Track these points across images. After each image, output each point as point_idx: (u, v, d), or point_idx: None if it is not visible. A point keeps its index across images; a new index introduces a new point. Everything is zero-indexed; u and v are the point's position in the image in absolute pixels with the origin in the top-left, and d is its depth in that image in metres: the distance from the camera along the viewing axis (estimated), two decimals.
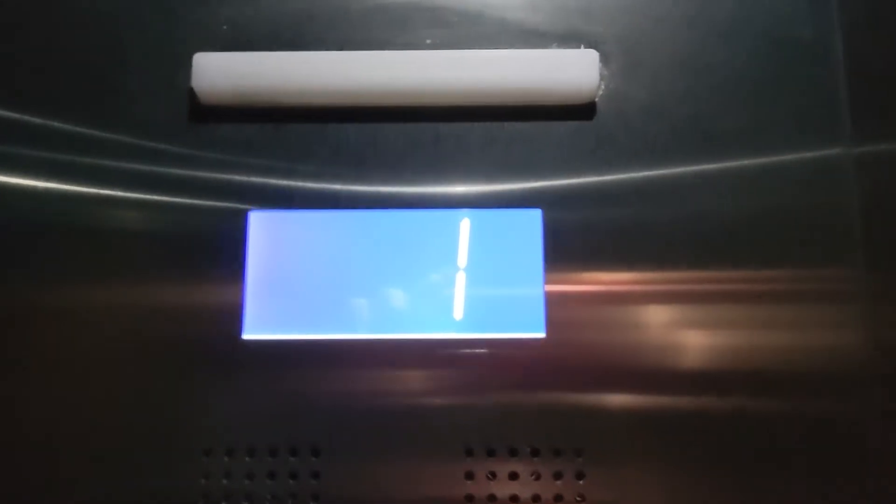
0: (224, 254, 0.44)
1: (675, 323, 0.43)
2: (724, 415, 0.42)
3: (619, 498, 0.41)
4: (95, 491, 0.42)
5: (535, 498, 0.42)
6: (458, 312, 0.44)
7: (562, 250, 0.44)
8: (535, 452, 0.42)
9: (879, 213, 0.44)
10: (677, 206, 0.45)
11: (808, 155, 0.45)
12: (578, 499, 0.41)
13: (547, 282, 0.44)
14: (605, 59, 0.46)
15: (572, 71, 0.45)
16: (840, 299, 0.43)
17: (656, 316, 0.43)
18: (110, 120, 0.45)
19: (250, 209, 0.45)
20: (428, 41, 0.47)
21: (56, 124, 0.45)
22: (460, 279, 0.44)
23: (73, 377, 0.43)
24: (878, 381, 0.42)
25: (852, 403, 0.42)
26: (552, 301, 0.43)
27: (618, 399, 0.42)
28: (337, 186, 0.45)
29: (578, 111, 0.46)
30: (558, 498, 0.41)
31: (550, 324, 0.43)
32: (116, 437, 0.42)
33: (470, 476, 0.42)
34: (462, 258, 0.45)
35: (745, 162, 0.45)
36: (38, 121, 0.45)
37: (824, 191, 0.45)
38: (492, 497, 0.42)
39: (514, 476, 0.42)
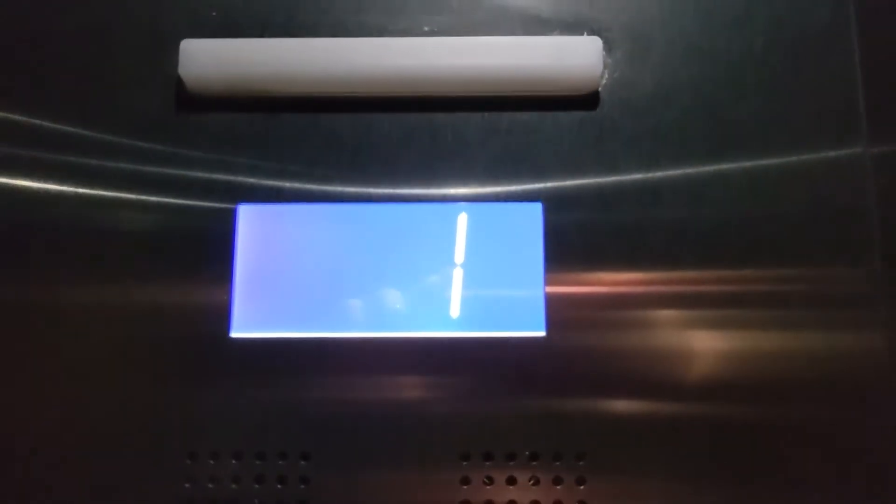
0: (212, 249, 0.42)
1: (682, 323, 0.41)
2: (731, 420, 0.40)
3: None
4: (75, 493, 0.40)
5: None
6: (455, 310, 0.42)
7: (563, 246, 0.42)
8: (533, 457, 0.40)
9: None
10: (684, 200, 0.43)
11: (824, 153, 0.43)
12: None
13: (547, 278, 0.42)
14: (609, 47, 0.44)
15: (575, 59, 0.43)
16: (856, 302, 0.41)
17: (661, 316, 0.42)
18: (94, 110, 0.44)
19: (239, 202, 0.43)
20: (426, 28, 0.45)
21: (38, 115, 0.44)
22: (457, 276, 0.42)
23: (55, 376, 0.41)
24: (895, 385, 0.40)
25: (866, 409, 0.40)
26: (553, 299, 0.42)
27: (621, 401, 0.41)
28: (329, 179, 0.43)
29: (581, 101, 0.44)
30: None
31: (551, 322, 0.41)
32: (97, 439, 0.40)
33: (466, 481, 0.40)
34: (459, 254, 0.43)
35: (757, 154, 0.43)
36: (17, 116, 0.44)
37: (840, 189, 0.43)
38: (489, 503, 0.40)
39: (511, 481, 0.40)
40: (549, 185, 0.43)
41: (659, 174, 0.43)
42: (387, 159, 0.44)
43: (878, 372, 0.40)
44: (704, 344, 0.41)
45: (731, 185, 0.43)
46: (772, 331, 0.41)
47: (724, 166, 0.43)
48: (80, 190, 0.43)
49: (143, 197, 0.43)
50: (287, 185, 0.43)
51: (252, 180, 0.43)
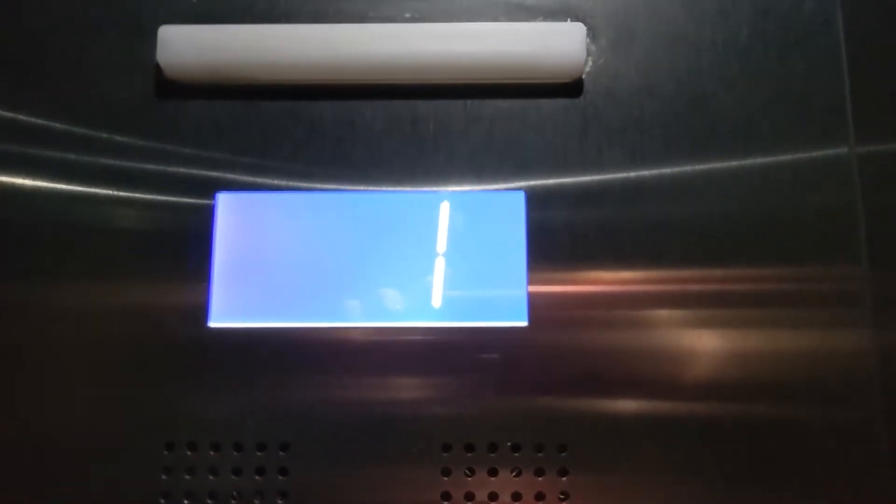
0: (190, 237, 0.42)
1: (666, 318, 0.41)
2: (714, 415, 0.40)
3: (605, 496, 0.39)
4: (50, 484, 0.39)
5: (516, 496, 0.39)
6: (437, 300, 0.42)
7: (546, 235, 0.42)
8: (516, 448, 0.40)
9: (883, 212, 0.42)
10: (668, 191, 0.42)
11: (810, 153, 0.42)
12: (561, 496, 0.39)
13: (530, 268, 0.41)
14: (592, 34, 0.44)
15: (558, 45, 0.42)
16: (841, 301, 0.41)
17: (646, 306, 0.41)
18: (71, 97, 0.43)
19: (218, 191, 0.42)
20: (407, 14, 0.44)
21: (11, 108, 0.43)
22: (439, 265, 0.42)
23: (31, 369, 0.40)
24: (883, 385, 0.40)
25: (852, 408, 0.40)
26: (535, 289, 0.41)
27: (604, 393, 0.40)
28: (310, 167, 0.43)
29: (565, 89, 0.43)
30: (540, 496, 0.39)
31: (533, 313, 0.41)
32: (72, 430, 0.40)
33: (447, 472, 0.39)
34: (441, 243, 0.42)
35: (742, 148, 0.42)
36: None
37: (825, 188, 0.42)
38: (469, 495, 0.39)
39: (493, 472, 0.39)
40: (532, 173, 0.43)
41: (643, 163, 0.43)
42: (368, 147, 0.43)
43: (864, 371, 0.40)
44: (688, 339, 0.41)
45: (715, 178, 0.42)
46: (755, 329, 0.41)
47: (709, 158, 0.43)
48: (60, 174, 0.42)
49: (121, 187, 0.42)
50: (268, 174, 0.43)
51: (232, 169, 0.43)
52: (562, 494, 0.39)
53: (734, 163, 0.42)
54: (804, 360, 0.40)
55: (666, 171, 0.42)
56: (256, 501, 0.39)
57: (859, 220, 0.42)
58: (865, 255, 0.41)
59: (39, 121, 0.43)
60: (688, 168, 0.42)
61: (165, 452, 0.40)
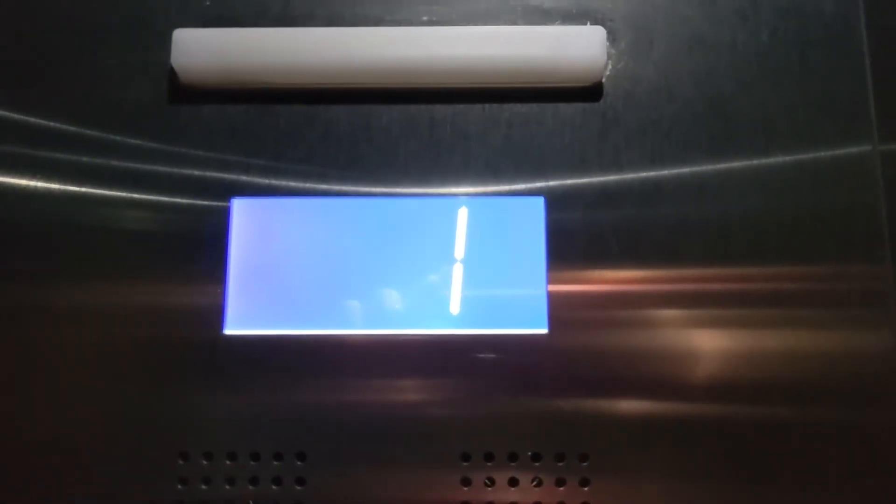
0: (206, 243, 0.41)
1: (688, 322, 0.40)
2: (737, 420, 0.39)
3: None
4: (66, 493, 0.39)
5: None
6: (455, 307, 0.41)
7: (566, 240, 0.41)
8: (536, 457, 0.39)
9: None
10: (688, 195, 0.42)
11: (833, 151, 0.42)
12: None
13: (550, 274, 0.41)
14: (612, 37, 0.43)
15: (577, 49, 0.42)
16: (865, 300, 0.40)
17: (666, 314, 0.40)
18: (85, 102, 0.43)
19: (233, 196, 0.42)
20: (424, 17, 0.44)
21: (26, 111, 0.42)
22: (457, 271, 0.41)
23: (46, 375, 0.40)
24: None
25: (876, 408, 0.39)
26: (555, 295, 0.40)
27: (625, 401, 0.40)
28: (326, 173, 0.42)
29: (584, 93, 0.43)
30: None
31: (553, 319, 0.40)
32: (88, 439, 0.39)
33: (466, 482, 0.39)
34: (459, 249, 0.42)
35: (763, 149, 0.42)
36: (4, 112, 0.42)
37: (849, 186, 0.41)
38: None
39: (513, 482, 0.39)
40: (552, 177, 0.42)
41: (663, 167, 0.42)
42: (385, 152, 0.42)
43: (888, 370, 0.39)
44: (709, 343, 0.40)
45: (736, 180, 0.42)
46: (778, 329, 0.40)
47: (729, 160, 0.42)
48: (73, 179, 0.42)
49: (135, 191, 0.42)
50: (282, 178, 0.42)
51: (246, 173, 0.42)
52: None
53: (755, 162, 0.42)
54: (827, 361, 0.40)
55: (685, 173, 0.42)
56: None
57: (882, 219, 0.41)
58: (889, 254, 0.41)
59: (54, 124, 0.42)
60: (708, 168, 0.42)
61: (181, 462, 0.39)
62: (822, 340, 0.40)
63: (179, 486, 0.39)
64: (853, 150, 0.42)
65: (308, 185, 0.42)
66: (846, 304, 0.40)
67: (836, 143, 0.42)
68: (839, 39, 0.43)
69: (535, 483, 0.39)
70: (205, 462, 0.39)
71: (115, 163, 0.42)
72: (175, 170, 0.42)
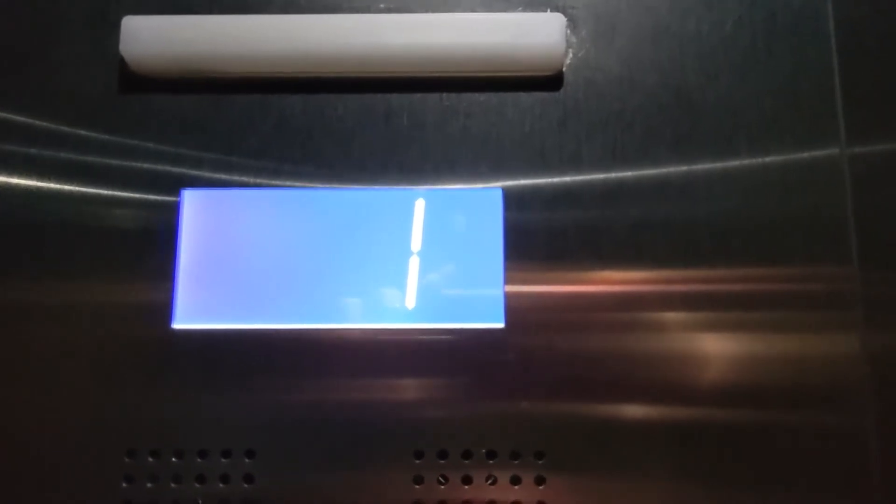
0: (155, 235, 0.40)
1: (648, 322, 0.39)
2: (698, 417, 0.38)
3: None
4: (10, 492, 0.38)
5: None
6: (411, 301, 0.40)
7: (524, 233, 0.40)
8: (491, 455, 0.38)
9: (873, 213, 0.40)
10: (650, 188, 0.41)
11: (800, 154, 0.41)
12: None
13: (507, 268, 0.40)
14: (573, 25, 0.42)
15: (537, 36, 0.41)
16: (832, 302, 0.39)
17: (626, 306, 0.40)
18: (32, 90, 0.42)
19: (184, 187, 0.41)
20: (382, 5, 0.43)
21: None
22: (413, 265, 0.40)
23: None
24: (871, 386, 0.38)
25: (842, 410, 0.38)
26: (513, 288, 0.40)
27: (582, 398, 0.39)
28: (279, 164, 0.41)
29: (544, 82, 0.42)
30: None
31: (510, 313, 0.39)
32: (33, 435, 0.38)
33: (419, 480, 0.38)
34: (416, 241, 0.41)
35: (727, 144, 0.41)
36: None
37: (816, 191, 0.40)
38: (443, 503, 0.38)
39: (467, 480, 0.38)
40: (510, 168, 0.41)
41: (624, 160, 0.41)
42: (340, 143, 0.41)
43: (853, 373, 0.38)
44: (669, 343, 0.39)
45: (699, 176, 0.41)
46: (740, 331, 0.39)
47: (694, 156, 0.41)
48: (21, 169, 0.41)
49: (85, 182, 0.41)
50: (235, 170, 0.41)
51: (198, 164, 0.41)
52: (538, 503, 0.38)
53: (719, 160, 0.41)
54: (792, 362, 0.39)
55: (648, 165, 0.41)
56: None
57: (849, 220, 0.40)
58: (856, 256, 0.40)
59: (1, 115, 0.41)
60: (671, 167, 0.41)
61: (127, 459, 0.38)
62: (786, 342, 0.39)
63: (125, 484, 0.38)
64: (820, 153, 0.41)
65: (261, 176, 0.41)
66: (812, 306, 0.39)
67: (802, 144, 0.41)
68: (806, 34, 0.42)
69: (489, 481, 0.38)
70: (151, 459, 0.38)
71: (63, 154, 0.41)
72: (125, 161, 0.41)
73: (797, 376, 0.39)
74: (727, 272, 0.40)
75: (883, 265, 0.40)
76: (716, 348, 0.39)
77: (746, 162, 0.41)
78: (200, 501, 0.38)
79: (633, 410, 0.38)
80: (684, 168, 0.41)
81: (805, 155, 0.41)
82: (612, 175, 0.41)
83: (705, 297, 0.40)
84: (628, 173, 0.41)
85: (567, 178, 0.41)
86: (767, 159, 0.41)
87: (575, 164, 0.41)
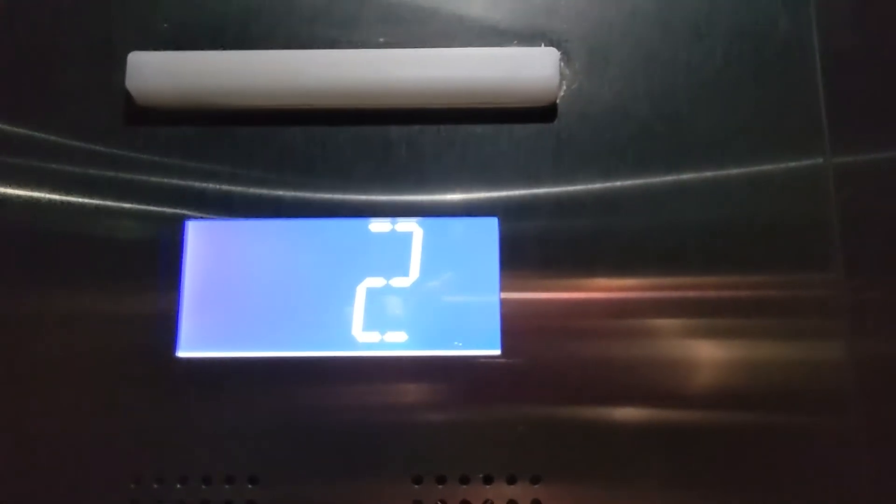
0: (159, 265, 0.41)
1: (642, 339, 0.40)
2: (693, 436, 0.39)
3: None
4: None
5: None
6: (409, 328, 0.41)
7: (520, 261, 0.41)
8: (487, 479, 0.39)
9: (858, 222, 0.41)
10: (643, 214, 0.42)
11: (786, 164, 0.42)
12: None
13: (503, 296, 0.41)
14: (567, 58, 0.43)
15: (531, 70, 0.42)
16: (817, 311, 0.40)
17: (621, 332, 0.41)
18: (41, 121, 0.43)
19: (188, 218, 0.42)
20: (381, 39, 0.44)
21: None
22: (411, 293, 0.41)
23: None
24: (857, 392, 0.39)
25: (829, 414, 0.39)
26: (509, 316, 0.41)
27: (579, 422, 0.40)
28: (281, 193, 0.42)
29: (538, 113, 0.43)
30: None
31: (506, 340, 0.40)
32: (38, 462, 0.39)
33: None
34: (414, 270, 0.42)
35: (717, 166, 0.42)
36: None
37: (801, 200, 0.42)
38: None
39: None
40: (506, 198, 0.42)
41: (617, 187, 0.42)
42: (340, 173, 0.43)
43: (840, 379, 0.40)
44: (665, 360, 0.40)
45: (690, 197, 0.42)
46: (732, 339, 0.40)
47: (684, 179, 0.42)
48: (28, 195, 0.42)
49: (89, 214, 0.42)
50: (237, 200, 0.42)
51: (202, 194, 0.42)
52: None
53: (709, 175, 0.42)
54: (781, 369, 0.40)
55: (640, 193, 0.42)
56: None
57: (835, 231, 0.41)
58: (841, 264, 0.41)
59: (9, 139, 0.42)
60: (662, 186, 0.42)
61: (132, 486, 0.39)
62: (775, 349, 0.40)
63: None
64: (806, 162, 0.42)
65: (263, 207, 0.42)
66: (799, 314, 0.40)
67: (789, 157, 0.42)
68: (793, 58, 0.43)
69: None
70: (156, 486, 0.39)
71: (70, 185, 0.42)
72: (130, 190, 0.42)
73: (785, 381, 0.40)
74: (717, 280, 0.41)
75: (868, 272, 0.41)
76: (708, 357, 0.40)
77: (735, 175, 0.42)
78: None
79: (629, 433, 0.39)
80: (675, 191, 0.42)
81: (791, 165, 0.42)
82: (606, 200, 0.42)
83: (696, 307, 0.41)
84: (621, 198, 0.42)
85: (562, 206, 0.42)
86: (754, 175, 0.42)
87: (569, 192, 0.42)
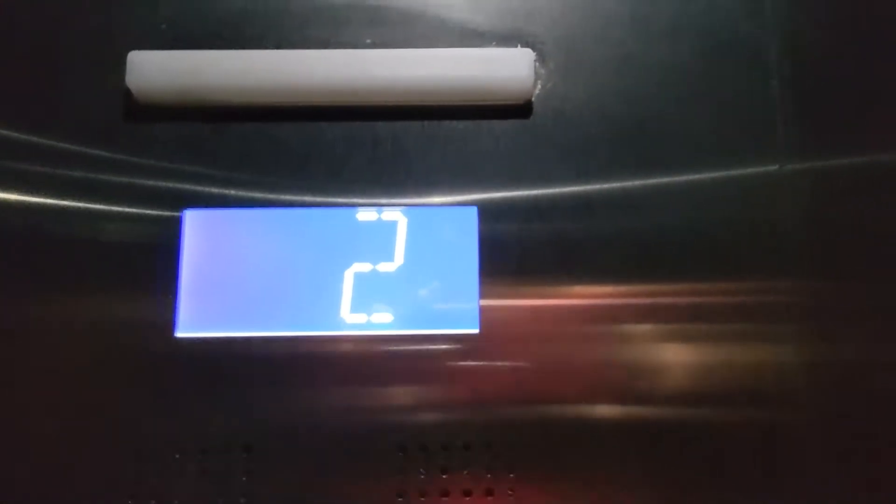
0: (159, 253, 0.44)
1: (612, 324, 0.44)
2: (654, 419, 0.43)
3: (550, 494, 0.42)
4: (17, 497, 0.41)
5: (467, 492, 0.42)
6: (395, 309, 0.44)
7: (497, 248, 0.44)
8: (467, 446, 0.42)
9: (814, 226, 0.45)
10: (614, 208, 0.45)
11: (743, 165, 0.45)
12: (510, 492, 0.42)
13: (482, 278, 0.44)
14: (542, 59, 0.47)
15: (508, 70, 0.45)
16: (772, 315, 0.44)
17: (593, 316, 0.44)
18: (42, 120, 0.45)
19: (186, 208, 0.45)
20: (368, 40, 0.47)
21: None
22: (397, 276, 0.44)
23: None
24: (816, 392, 0.43)
25: (790, 413, 0.43)
26: (486, 297, 0.44)
27: (550, 393, 0.43)
28: (275, 186, 0.45)
29: (515, 110, 0.46)
30: (489, 492, 0.42)
31: (484, 319, 0.43)
32: (37, 442, 0.42)
33: (402, 471, 0.42)
34: (399, 255, 0.45)
35: (683, 166, 0.45)
36: None
37: (758, 204, 0.45)
38: (423, 492, 0.42)
39: (445, 471, 0.42)
40: (485, 190, 0.45)
41: (590, 181, 0.45)
42: (330, 166, 0.45)
43: (793, 382, 0.43)
44: (633, 354, 0.43)
45: (657, 195, 0.45)
46: (696, 341, 0.44)
47: (652, 177, 0.45)
48: (28, 195, 0.44)
49: (91, 202, 0.44)
50: (233, 191, 0.45)
51: (199, 187, 0.45)
52: (510, 490, 0.42)
53: (677, 178, 0.45)
54: (745, 370, 0.43)
55: (612, 187, 0.45)
56: (220, 501, 0.41)
57: (789, 235, 0.44)
58: (799, 268, 0.44)
59: (13, 135, 0.45)
60: (633, 182, 0.45)
61: (134, 460, 0.42)
62: (740, 352, 0.43)
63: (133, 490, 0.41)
64: (761, 168, 0.45)
65: (258, 197, 0.45)
66: (764, 317, 0.44)
67: (746, 162, 0.45)
68: (752, 61, 0.47)
69: (465, 472, 0.42)
70: (155, 457, 0.42)
71: (71, 174, 0.45)
72: (130, 182, 0.45)
73: (750, 382, 0.43)
74: (686, 286, 0.44)
75: (829, 278, 0.44)
76: (676, 359, 0.43)
77: (702, 180, 0.45)
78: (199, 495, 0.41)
79: (599, 405, 0.43)
80: (644, 188, 0.45)
81: (755, 171, 0.45)
82: (579, 194, 0.45)
83: (665, 309, 0.44)
84: (593, 193, 0.45)
85: (537, 198, 0.45)
86: (720, 178, 0.45)
87: (544, 185, 0.45)
